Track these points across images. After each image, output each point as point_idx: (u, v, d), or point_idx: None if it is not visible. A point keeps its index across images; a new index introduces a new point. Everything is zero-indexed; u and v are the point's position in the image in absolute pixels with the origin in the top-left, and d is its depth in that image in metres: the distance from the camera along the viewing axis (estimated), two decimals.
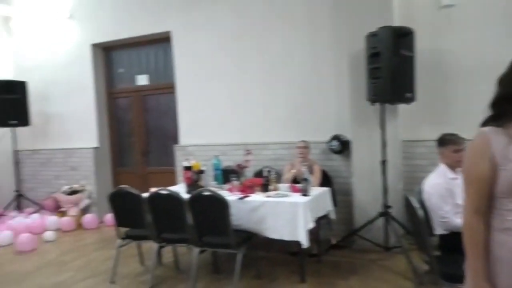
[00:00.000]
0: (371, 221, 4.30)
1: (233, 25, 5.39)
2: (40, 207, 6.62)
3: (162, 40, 6.03)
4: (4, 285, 4.06)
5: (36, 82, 6.71)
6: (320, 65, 4.94)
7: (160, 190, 3.70)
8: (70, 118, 6.62)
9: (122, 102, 6.71)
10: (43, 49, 6.78)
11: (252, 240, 3.73)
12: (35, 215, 6.36)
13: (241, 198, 3.72)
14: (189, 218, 3.55)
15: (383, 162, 4.21)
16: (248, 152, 4.36)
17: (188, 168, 4.26)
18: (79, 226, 6.22)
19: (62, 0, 6.51)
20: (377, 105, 4.22)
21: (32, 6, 6.78)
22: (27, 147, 6.93)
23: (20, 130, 6.69)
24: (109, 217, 6.27)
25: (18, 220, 6.09)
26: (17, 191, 6.73)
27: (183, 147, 5.77)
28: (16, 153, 6.76)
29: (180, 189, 4.07)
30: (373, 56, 3.97)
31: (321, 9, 4.90)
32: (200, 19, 5.57)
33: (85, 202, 6.40)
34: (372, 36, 4.02)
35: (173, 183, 5.70)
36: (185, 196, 3.65)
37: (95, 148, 6.49)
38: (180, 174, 5.71)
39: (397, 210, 4.27)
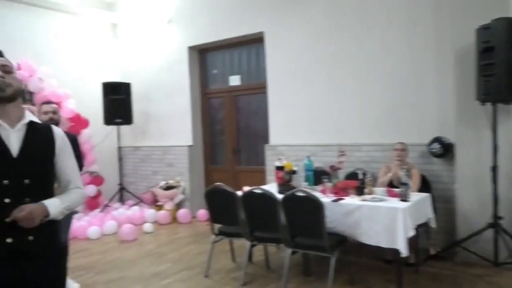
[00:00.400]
0: (478, 232, 3.93)
1: (326, 23, 5.28)
2: (139, 200, 7.10)
3: (255, 41, 6.13)
4: (109, 271, 4.40)
5: (138, 83, 7.22)
6: (420, 62, 4.64)
7: (254, 189, 3.74)
8: (168, 117, 7.02)
9: (215, 102, 6.95)
10: (145, 52, 7.28)
11: (344, 244, 3.61)
12: (135, 208, 6.84)
13: (335, 201, 3.62)
14: (282, 218, 3.54)
15: (494, 168, 3.82)
16: (342, 153, 4.24)
17: (280, 168, 4.26)
18: (174, 220, 6.56)
19: (162, 6, 6.92)
20: (488, 105, 3.84)
21: (136, 12, 7.32)
22: (129, 144, 7.49)
23: (124, 128, 7.25)
24: (201, 212, 6.54)
25: (121, 211, 6.59)
26: (120, 184, 7.30)
27: (273, 147, 5.80)
28: (119, 149, 7.33)
29: (272, 189, 4.08)
30: (486, 51, 3.62)
31: (421, 2, 4.59)
32: (293, 18, 5.55)
33: (179, 197, 6.73)
34: (484, 29, 3.66)
35: (263, 182, 5.75)
36: (278, 196, 3.64)
37: (190, 146, 6.80)
38: (270, 173, 5.76)
39: (509, 222, 3.85)
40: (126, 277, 4.19)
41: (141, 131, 7.40)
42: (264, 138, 6.17)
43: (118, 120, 6.86)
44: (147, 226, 5.99)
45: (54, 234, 1.79)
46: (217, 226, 4.17)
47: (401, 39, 4.75)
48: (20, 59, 5.94)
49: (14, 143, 1.66)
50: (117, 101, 6.81)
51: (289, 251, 3.60)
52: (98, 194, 6.93)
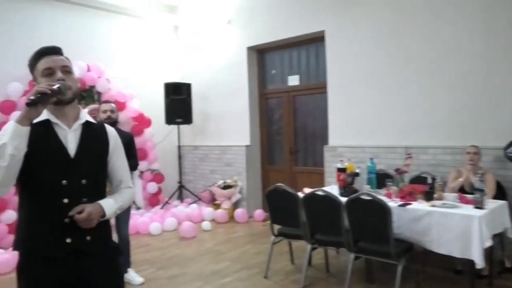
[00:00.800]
0: None
1: (390, 20, 5.07)
2: (197, 199, 7.24)
3: (315, 40, 6.03)
4: (170, 267, 4.50)
5: (198, 84, 7.36)
6: (496, 59, 4.31)
7: (315, 190, 3.66)
8: (226, 117, 7.09)
9: (273, 102, 6.92)
10: (204, 53, 7.41)
11: (411, 251, 3.44)
12: (194, 205, 6.98)
13: (402, 205, 3.46)
14: (344, 222, 3.44)
15: None
16: (409, 156, 4.05)
17: (342, 170, 4.15)
18: (231, 219, 6.62)
19: (222, 7, 7.02)
20: None
21: (196, 14, 7.47)
22: (188, 143, 7.66)
23: (184, 127, 7.42)
24: (258, 212, 6.55)
25: (180, 209, 6.75)
26: (179, 182, 7.48)
27: (333, 148, 5.66)
28: (179, 148, 7.52)
29: (332, 191, 3.97)
30: None
31: None
32: (355, 16, 5.39)
33: (237, 196, 6.78)
34: None
35: (321, 184, 5.64)
36: (341, 199, 3.54)
37: (247, 146, 6.83)
38: (329, 175, 5.64)
39: None
40: (187, 274, 4.26)
41: (200, 131, 7.54)
42: (323, 139, 6.06)
43: (178, 120, 7.04)
44: (205, 224, 6.09)
45: (108, 233, 1.82)
46: (276, 227, 4.14)
47: (474, 34, 4.45)
48: (90, 61, 6.26)
49: (71, 143, 1.67)
50: (178, 101, 6.99)
51: (351, 256, 3.49)
52: (159, 191, 7.15)
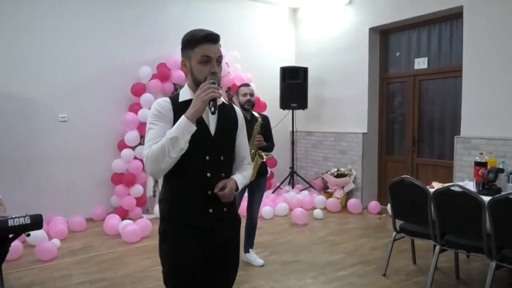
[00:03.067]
0: None
1: None
2: (309, 185, 7.10)
3: (449, 18, 5.39)
4: (283, 252, 4.45)
5: (314, 67, 7.16)
6: None
7: (450, 186, 3.24)
8: (343, 102, 6.79)
9: (395, 87, 6.42)
10: (322, 36, 7.15)
11: None
12: (305, 192, 6.86)
13: None
14: (486, 225, 2.98)
15: None
16: None
17: (481, 165, 3.61)
18: (343, 208, 6.36)
19: None
20: None
21: None
22: (302, 129, 7.52)
23: (298, 112, 7.30)
24: (373, 204, 6.19)
25: (291, 194, 6.69)
26: (291, 168, 7.42)
27: (466, 139, 5.02)
28: (293, 133, 7.43)
29: (466, 188, 3.48)
30: None
31: None
32: None
33: (350, 186, 6.49)
34: None
35: (449, 178, 5.09)
36: (483, 198, 3.07)
37: (364, 133, 6.45)
38: (459, 169, 5.05)
39: None
40: (300, 262, 4.16)
41: (314, 116, 7.35)
42: (453, 128, 5.45)
43: (293, 105, 6.93)
44: (317, 212, 5.93)
45: (235, 205, 1.98)
46: (397, 222, 3.80)
47: None
48: None
49: (212, 123, 1.81)
50: (294, 86, 6.87)
51: (492, 264, 3.02)
52: (271, 175, 7.16)
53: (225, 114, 1.89)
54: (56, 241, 4.56)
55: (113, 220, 5.19)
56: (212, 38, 1.74)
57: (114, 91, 5.87)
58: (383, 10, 6.07)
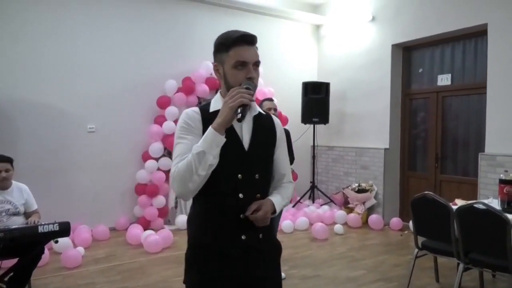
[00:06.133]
0: None
1: None
2: (329, 200, 7.08)
3: (473, 35, 5.38)
4: (304, 267, 4.44)
5: (336, 83, 7.19)
6: None
7: (474, 203, 3.21)
8: (365, 118, 6.79)
9: (417, 103, 6.39)
10: (345, 52, 7.20)
11: None
12: (325, 207, 6.84)
13: None
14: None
15: None
16: None
17: (506, 182, 3.56)
18: (364, 224, 6.31)
19: (365, 4, 6.72)
20: None
21: (339, 12, 7.28)
22: (323, 143, 7.53)
23: (319, 127, 7.32)
24: (395, 221, 6.12)
25: (312, 209, 6.68)
26: (312, 182, 7.42)
27: (491, 156, 4.95)
28: (314, 148, 7.45)
29: (490, 205, 3.43)
30: None
31: None
32: None
33: (372, 201, 6.44)
34: None
35: (473, 196, 5.02)
36: (508, 216, 3.03)
37: (386, 149, 6.43)
38: (483, 186, 4.98)
39: None
40: (321, 277, 4.15)
41: (335, 131, 7.36)
42: (477, 145, 5.39)
43: (315, 119, 6.96)
44: (338, 228, 5.89)
45: (274, 230, 1.73)
46: (419, 239, 3.76)
47: None
48: None
49: (246, 136, 1.59)
50: (316, 100, 6.91)
51: None
52: None
53: (261, 125, 1.65)
54: (80, 249, 4.68)
55: (136, 230, 5.29)
56: (248, 40, 1.54)
57: (140, 103, 6.04)
58: (406, 27, 6.09)
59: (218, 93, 1.64)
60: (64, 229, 3.07)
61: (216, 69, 1.61)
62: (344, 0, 7.18)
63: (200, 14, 6.55)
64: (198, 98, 6.27)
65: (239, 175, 1.55)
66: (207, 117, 1.55)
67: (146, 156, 5.94)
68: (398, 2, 6.19)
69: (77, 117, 5.63)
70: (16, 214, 3.54)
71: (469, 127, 5.63)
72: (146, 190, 5.83)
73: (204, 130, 1.51)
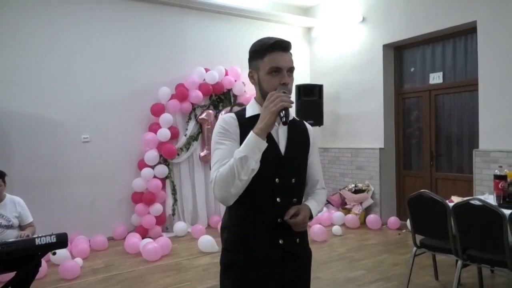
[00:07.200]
0: None
1: None
2: (326, 202, 7.09)
3: (463, 33, 5.43)
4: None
5: (329, 85, 7.22)
6: None
7: (470, 199, 3.23)
8: (359, 118, 6.82)
9: (411, 102, 6.43)
10: (337, 53, 7.24)
11: None
12: (323, 208, 6.84)
13: None
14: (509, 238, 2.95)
15: None
16: None
17: (500, 178, 3.59)
18: (362, 224, 6.32)
19: (355, 5, 6.77)
20: None
21: (330, 14, 7.32)
22: (318, 145, 7.51)
23: (314, 129, 7.29)
24: (392, 220, 6.14)
25: None
26: None
27: (485, 152, 4.99)
28: None
29: (486, 201, 3.46)
30: None
31: None
32: None
33: (369, 201, 6.46)
34: None
35: (468, 192, 5.05)
36: (504, 211, 3.05)
37: (381, 149, 6.45)
38: (479, 183, 5.00)
39: None
40: (320, 278, 4.15)
41: (330, 132, 7.38)
42: (471, 142, 5.43)
43: (309, 122, 6.87)
44: (336, 229, 5.90)
45: (307, 235, 1.75)
46: (418, 237, 3.77)
47: None
48: (228, 65, 6.58)
49: (282, 140, 1.61)
50: (309, 103, 6.92)
51: None
52: None
53: (296, 130, 1.68)
54: (79, 260, 4.65)
55: (134, 238, 5.27)
56: (283, 46, 1.57)
57: (134, 111, 6.03)
58: (396, 27, 6.14)
59: (253, 99, 1.67)
60: (62, 241, 3.03)
61: (251, 76, 1.64)
62: (334, 2, 7.22)
63: (192, 21, 6.57)
64: (192, 104, 6.27)
65: (277, 179, 1.58)
66: (244, 123, 1.57)
67: (141, 164, 5.92)
68: (388, 2, 6.25)
69: (71, 128, 5.61)
70: (9, 227, 3.52)
71: (462, 124, 5.68)
72: (143, 198, 5.81)
73: (241, 136, 1.54)
